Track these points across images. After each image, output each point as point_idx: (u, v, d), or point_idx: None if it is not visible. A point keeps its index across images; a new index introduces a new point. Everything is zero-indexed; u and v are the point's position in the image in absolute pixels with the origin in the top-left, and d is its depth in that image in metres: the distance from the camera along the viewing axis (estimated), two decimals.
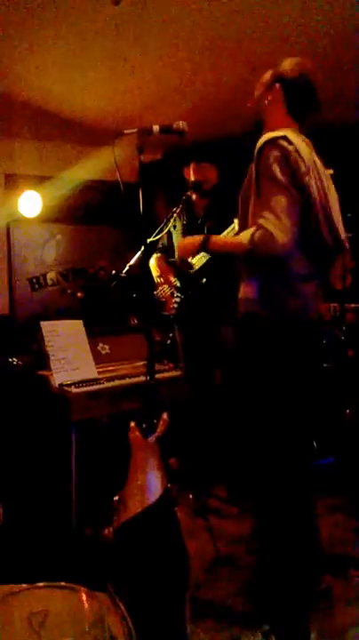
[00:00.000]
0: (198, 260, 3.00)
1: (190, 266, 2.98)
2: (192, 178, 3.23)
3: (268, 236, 1.84)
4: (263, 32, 3.19)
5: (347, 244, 2.10)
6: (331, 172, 2.15)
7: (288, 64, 2.08)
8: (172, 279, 3.26)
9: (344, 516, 2.98)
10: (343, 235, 2.07)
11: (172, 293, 3.24)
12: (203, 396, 3.22)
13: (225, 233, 2.71)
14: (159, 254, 3.39)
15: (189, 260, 2.94)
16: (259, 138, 2.05)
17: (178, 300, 3.19)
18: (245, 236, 1.93)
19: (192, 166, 3.22)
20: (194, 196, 3.28)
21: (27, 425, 2.84)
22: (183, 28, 3.15)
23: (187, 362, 3.26)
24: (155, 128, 2.19)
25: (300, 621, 1.94)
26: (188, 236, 2.30)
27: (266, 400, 2.02)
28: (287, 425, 2.04)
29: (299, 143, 1.95)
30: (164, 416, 1.55)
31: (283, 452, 2.04)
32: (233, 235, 2.58)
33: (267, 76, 2.11)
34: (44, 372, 2.76)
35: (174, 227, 3.33)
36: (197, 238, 2.22)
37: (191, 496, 3.11)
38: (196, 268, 3.03)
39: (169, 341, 3.48)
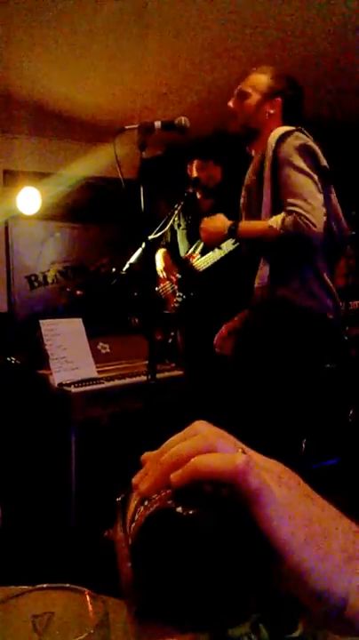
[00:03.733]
0: (204, 262, 2.99)
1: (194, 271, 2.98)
2: (194, 174, 3.22)
3: (301, 221, 1.84)
4: (263, 32, 3.17)
5: (349, 238, 2.12)
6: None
7: (284, 79, 2.11)
8: (176, 277, 3.24)
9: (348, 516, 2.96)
10: (346, 228, 2.10)
11: (174, 292, 3.22)
12: (204, 397, 3.20)
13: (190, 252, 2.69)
14: (164, 250, 3.37)
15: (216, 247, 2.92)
16: (253, 142, 2.13)
17: (179, 299, 3.17)
18: (275, 221, 1.91)
19: (195, 163, 3.20)
20: (198, 195, 3.25)
21: (26, 425, 2.82)
22: (184, 24, 3.14)
23: (188, 361, 3.24)
24: (157, 124, 2.18)
25: (289, 609, 1.91)
26: (210, 223, 2.22)
27: (274, 385, 2.01)
28: (284, 412, 2.05)
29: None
30: None
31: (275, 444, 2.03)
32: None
33: (262, 84, 2.11)
34: (44, 372, 2.74)
35: (179, 225, 3.31)
36: (222, 225, 2.15)
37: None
38: (202, 269, 3.02)
39: (170, 341, 3.46)
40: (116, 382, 2.75)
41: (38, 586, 0.52)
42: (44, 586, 0.51)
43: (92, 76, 3.77)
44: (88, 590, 0.49)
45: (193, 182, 3.20)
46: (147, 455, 0.42)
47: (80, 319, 2.89)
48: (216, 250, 2.92)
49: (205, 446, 0.38)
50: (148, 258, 2.63)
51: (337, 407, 3.43)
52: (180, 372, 2.99)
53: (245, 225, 2.12)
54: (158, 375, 2.26)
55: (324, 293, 2.03)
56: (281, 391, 2.01)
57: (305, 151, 1.93)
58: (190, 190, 3.23)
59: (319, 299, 2.01)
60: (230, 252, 2.73)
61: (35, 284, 4.91)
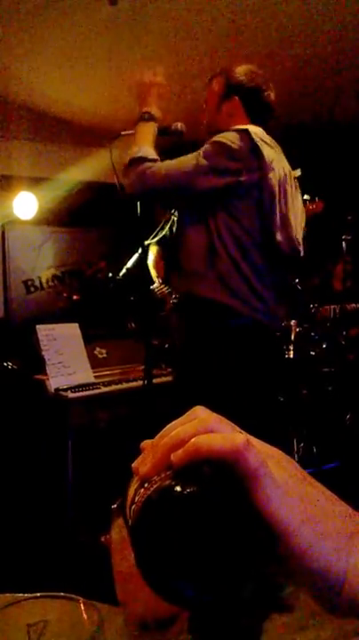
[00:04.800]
0: None
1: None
2: None
3: (143, 173, 1.87)
4: (263, 32, 3.18)
5: (302, 253, 2.02)
6: (297, 173, 2.11)
7: (244, 74, 2.04)
8: (162, 276, 3.23)
9: None
10: (300, 243, 2.00)
11: (170, 292, 3.22)
12: (199, 398, 3.20)
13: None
14: (157, 248, 3.35)
15: None
16: None
17: (175, 300, 3.17)
18: (141, 154, 1.92)
19: None
20: None
21: (23, 430, 2.81)
22: (181, 28, 3.15)
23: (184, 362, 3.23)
24: None
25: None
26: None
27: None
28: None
29: (262, 141, 1.92)
30: None
31: None
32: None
33: (219, 87, 2.07)
34: (40, 377, 2.74)
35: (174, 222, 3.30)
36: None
37: None
38: None
39: (167, 345, 3.46)
40: (113, 387, 2.75)
41: (33, 594, 0.52)
42: (39, 594, 0.51)
43: (89, 80, 3.78)
44: (83, 599, 0.49)
45: None
46: (146, 442, 0.43)
47: (77, 324, 2.89)
48: None
49: (205, 428, 0.39)
50: (145, 263, 2.64)
51: (334, 411, 3.43)
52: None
53: (139, 134, 2.04)
54: (155, 380, 2.26)
55: (259, 302, 1.96)
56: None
57: (217, 145, 1.88)
58: None
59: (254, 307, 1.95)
60: None
61: (32, 288, 4.90)
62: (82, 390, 2.64)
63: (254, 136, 1.88)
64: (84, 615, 0.49)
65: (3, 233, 4.75)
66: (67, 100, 4.05)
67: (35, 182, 4.70)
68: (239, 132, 1.89)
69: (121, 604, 0.56)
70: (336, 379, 3.39)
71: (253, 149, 1.87)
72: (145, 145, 1.97)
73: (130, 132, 2.17)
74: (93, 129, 4.40)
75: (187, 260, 2.01)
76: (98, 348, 2.99)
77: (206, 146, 1.90)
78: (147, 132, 2.02)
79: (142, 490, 0.38)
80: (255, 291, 1.93)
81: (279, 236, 1.92)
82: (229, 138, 1.87)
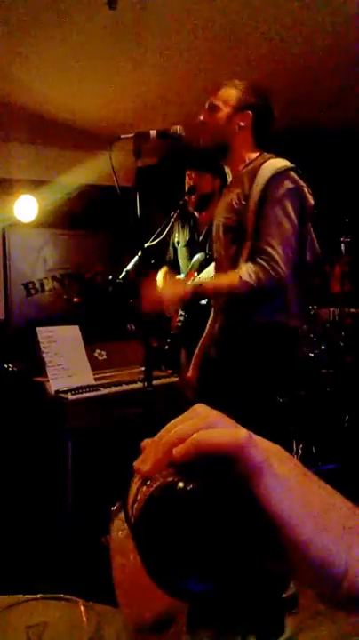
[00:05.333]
0: (205, 275, 3.00)
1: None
2: (189, 183, 3.21)
3: (272, 268, 1.85)
4: (263, 32, 3.18)
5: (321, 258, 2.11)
6: None
7: (254, 92, 2.08)
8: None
9: None
10: (319, 253, 2.08)
11: (177, 310, 3.21)
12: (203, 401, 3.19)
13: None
14: (166, 269, 3.36)
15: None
16: (225, 158, 2.11)
17: (182, 318, 3.16)
18: (248, 273, 1.89)
19: (190, 173, 3.18)
20: (197, 214, 3.23)
21: (22, 432, 2.82)
22: (180, 31, 3.15)
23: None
24: (152, 133, 2.19)
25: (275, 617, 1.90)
26: (168, 289, 2.19)
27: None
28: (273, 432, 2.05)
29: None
30: None
31: None
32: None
33: (233, 97, 2.08)
34: (41, 379, 2.74)
35: (178, 242, 3.30)
36: (182, 289, 2.13)
37: None
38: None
39: (166, 347, 3.45)
40: (113, 389, 2.75)
41: (32, 596, 0.52)
42: (38, 596, 0.52)
43: (89, 83, 3.78)
44: (82, 600, 0.50)
45: (189, 190, 3.20)
46: (146, 441, 0.43)
47: (77, 326, 2.90)
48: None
49: (207, 425, 0.39)
50: (144, 265, 2.64)
51: (333, 413, 3.44)
52: (176, 379, 2.99)
53: (211, 284, 2.09)
54: (154, 382, 2.26)
55: (293, 306, 2.04)
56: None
57: (296, 195, 1.92)
58: (186, 198, 3.24)
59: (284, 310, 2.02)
60: None
61: (32, 291, 4.91)
62: (82, 392, 2.64)
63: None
64: (84, 617, 0.49)
65: (4, 236, 4.76)
66: (68, 103, 4.06)
67: (35, 185, 4.71)
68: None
69: (120, 606, 0.57)
70: (335, 380, 3.40)
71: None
72: (217, 281, 2.04)
73: (129, 135, 2.18)
74: (93, 132, 4.41)
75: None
76: (98, 350, 3.00)
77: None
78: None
79: (144, 488, 0.38)
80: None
81: (308, 256, 2.01)
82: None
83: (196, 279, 3.02)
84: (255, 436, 0.40)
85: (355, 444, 3.34)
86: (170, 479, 0.37)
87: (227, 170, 2.18)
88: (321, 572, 0.37)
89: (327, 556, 0.36)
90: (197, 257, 3.15)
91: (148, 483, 0.38)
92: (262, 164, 1.97)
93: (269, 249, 1.87)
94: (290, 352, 2.04)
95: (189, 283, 3.04)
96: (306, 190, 1.95)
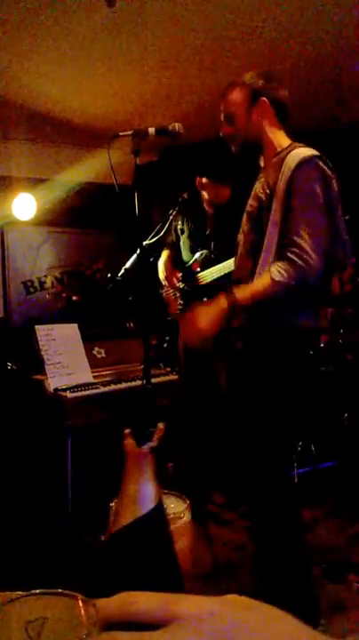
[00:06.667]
0: (209, 275, 3.00)
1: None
2: (207, 197, 3.17)
3: (304, 264, 1.79)
4: (263, 32, 3.18)
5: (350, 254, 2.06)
6: None
7: (259, 76, 2.05)
8: (176, 287, 3.25)
9: (343, 520, 2.97)
10: (350, 252, 2.04)
11: (177, 297, 3.23)
12: (202, 401, 3.20)
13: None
14: (168, 252, 3.35)
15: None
16: (261, 152, 2.07)
17: (181, 307, 3.17)
18: (279, 273, 1.82)
19: (207, 183, 3.13)
20: (207, 209, 3.22)
21: (21, 430, 2.82)
22: (179, 29, 3.15)
23: (187, 366, 3.24)
24: (151, 130, 2.19)
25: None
26: (203, 315, 1.99)
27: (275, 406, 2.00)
28: (286, 432, 2.07)
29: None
30: (161, 425, 1.44)
31: (277, 455, 2.05)
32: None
33: (240, 96, 2.05)
34: (39, 377, 2.74)
35: (182, 231, 3.30)
36: (217, 309, 1.96)
37: (189, 502, 3.09)
38: (205, 281, 3.02)
39: (165, 345, 3.46)
40: (112, 387, 2.76)
41: (31, 591, 0.52)
42: (37, 591, 0.52)
43: (87, 82, 3.78)
44: (81, 595, 0.49)
45: (208, 204, 3.18)
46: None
47: (75, 324, 2.90)
48: (220, 264, 2.94)
49: None
50: (143, 263, 2.64)
51: (332, 411, 3.44)
52: (175, 377, 2.99)
53: (248, 293, 1.92)
54: (153, 380, 2.27)
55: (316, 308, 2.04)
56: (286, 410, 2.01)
57: (323, 182, 1.88)
58: (185, 195, 3.24)
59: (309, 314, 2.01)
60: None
61: (31, 289, 4.90)
62: (80, 390, 2.64)
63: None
64: (83, 612, 0.49)
65: (3, 234, 4.76)
66: (66, 101, 4.06)
67: (33, 183, 4.71)
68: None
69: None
70: (334, 378, 3.40)
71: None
72: (252, 288, 1.93)
73: (127, 133, 2.18)
74: (92, 130, 4.41)
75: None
76: (96, 348, 3.00)
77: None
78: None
79: None
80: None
81: (340, 253, 1.97)
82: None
83: (201, 274, 3.03)
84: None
85: (353, 442, 3.35)
86: None
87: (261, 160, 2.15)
88: None
89: None
90: (202, 253, 3.16)
91: None
92: (289, 153, 1.94)
93: (298, 239, 1.81)
94: (308, 352, 2.03)
95: (198, 276, 3.04)
96: (332, 178, 1.91)
